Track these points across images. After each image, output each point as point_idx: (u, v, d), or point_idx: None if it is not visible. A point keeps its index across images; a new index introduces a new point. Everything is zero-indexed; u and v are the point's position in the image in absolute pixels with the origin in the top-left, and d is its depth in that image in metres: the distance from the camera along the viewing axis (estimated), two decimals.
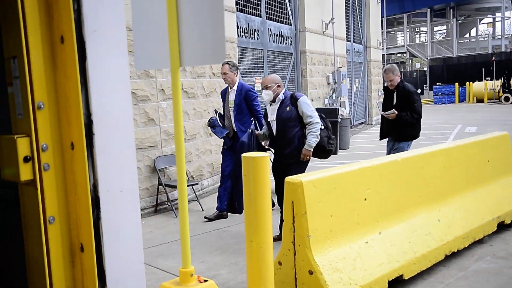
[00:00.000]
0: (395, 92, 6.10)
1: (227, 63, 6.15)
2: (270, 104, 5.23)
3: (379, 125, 6.51)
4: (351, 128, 13.91)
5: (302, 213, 3.21)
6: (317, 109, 5.35)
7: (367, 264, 3.48)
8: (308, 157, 4.98)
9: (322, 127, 5.07)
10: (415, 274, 3.83)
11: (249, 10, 10.20)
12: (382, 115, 6.26)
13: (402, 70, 45.16)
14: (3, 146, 1.72)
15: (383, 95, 6.61)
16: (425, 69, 44.29)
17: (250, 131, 5.45)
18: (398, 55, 51.21)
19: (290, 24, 12.40)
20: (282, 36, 11.98)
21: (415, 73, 44.48)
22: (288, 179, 3.33)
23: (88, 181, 1.87)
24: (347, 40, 16.17)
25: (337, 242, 3.42)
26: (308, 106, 5.06)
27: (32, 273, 1.86)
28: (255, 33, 10.63)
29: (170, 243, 5.18)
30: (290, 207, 3.28)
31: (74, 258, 1.97)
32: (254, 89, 6.36)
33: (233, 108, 6.09)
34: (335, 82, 13.92)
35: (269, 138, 5.34)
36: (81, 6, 1.81)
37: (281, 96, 5.14)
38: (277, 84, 5.16)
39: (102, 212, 1.93)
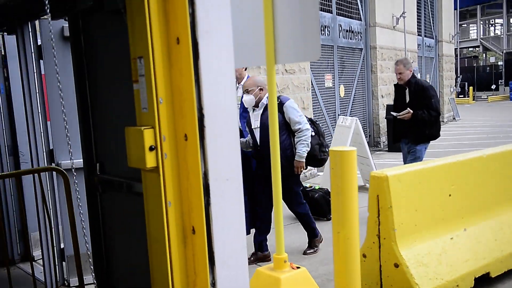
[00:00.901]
0: (407, 89, 5.50)
1: None
2: (253, 110, 4.71)
3: (392, 127, 5.95)
4: None
5: (388, 207, 3.26)
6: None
7: (453, 260, 3.47)
8: (301, 169, 4.54)
9: (313, 133, 4.59)
10: (502, 273, 3.76)
11: (320, 6, 10.24)
12: (393, 116, 5.62)
13: (475, 65, 43.26)
14: (130, 137, 1.92)
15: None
16: (500, 63, 42.18)
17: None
18: (470, 49, 49.09)
19: (360, 19, 12.30)
20: (352, 32, 11.91)
21: (488, 68, 42.52)
22: (373, 173, 3.38)
23: (200, 170, 2.04)
24: (418, 35, 15.79)
25: (422, 236, 3.43)
26: (295, 111, 4.53)
27: (153, 251, 2.06)
28: (326, 29, 10.64)
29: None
30: (375, 201, 3.34)
31: (186, 240, 2.15)
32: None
33: (239, 105, 5.59)
34: None
35: (252, 147, 4.78)
36: (195, 10, 1.98)
37: (264, 101, 4.56)
38: (259, 87, 4.61)
39: (212, 198, 2.09)
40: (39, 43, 3.79)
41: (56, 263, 4.09)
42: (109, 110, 2.96)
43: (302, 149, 4.45)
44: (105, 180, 3.10)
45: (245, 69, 5.72)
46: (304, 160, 4.49)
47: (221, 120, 2.10)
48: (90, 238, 3.27)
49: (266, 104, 4.36)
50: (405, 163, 5.70)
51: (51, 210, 4.00)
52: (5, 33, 4.21)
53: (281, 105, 4.45)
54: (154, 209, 2.01)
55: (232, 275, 2.18)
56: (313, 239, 4.83)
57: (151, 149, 1.87)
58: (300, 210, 4.78)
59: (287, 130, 4.54)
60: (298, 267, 2.64)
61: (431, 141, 5.63)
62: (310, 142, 4.50)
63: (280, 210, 2.60)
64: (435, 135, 5.52)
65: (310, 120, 4.68)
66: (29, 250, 4.59)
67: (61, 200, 3.99)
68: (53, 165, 3.91)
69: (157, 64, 1.91)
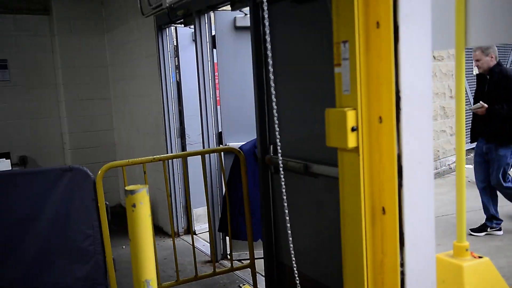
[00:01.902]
0: (488, 79, 4.66)
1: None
2: None
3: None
4: None
5: None
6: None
7: None
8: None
9: None
10: None
11: None
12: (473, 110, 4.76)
13: None
14: (331, 118, 2.03)
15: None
16: None
17: None
18: None
19: None
20: None
21: None
22: None
23: (394, 152, 2.08)
24: None
25: None
26: None
27: (347, 228, 2.16)
28: None
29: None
30: None
31: (374, 220, 2.21)
32: None
33: None
34: None
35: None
36: None
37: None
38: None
39: (404, 180, 2.12)
40: (213, 33, 4.10)
41: (221, 237, 4.43)
42: (285, 95, 3.11)
43: None
44: (277, 161, 3.28)
45: None
46: None
47: (417, 103, 2.11)
48: (261, 215, 3.49)
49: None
50: (476, 170, 4.96)
51: (217, 188, 4.33)
52: (181, 25, 4.61)
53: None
54: (351, 188, 2.09)
55: (421, 258, 2.19)
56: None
57: (353, 129, 1.95)
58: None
59: None
60: (480, 257, 2.56)
61: None
62: None
63: (463, 194, 2.54)
64: None
65: None
66: (191, 224, 5.03)
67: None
68: (221, 146, 4.22)
69: (358, 48, 1.98)
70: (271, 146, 3.32)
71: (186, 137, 5.21)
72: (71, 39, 6.44)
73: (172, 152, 5.09)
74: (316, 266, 2.99)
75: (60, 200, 3.16)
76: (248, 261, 3.74)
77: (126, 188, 1.77)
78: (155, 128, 5.41)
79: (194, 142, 5.20)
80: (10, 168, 4.79)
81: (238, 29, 4.01)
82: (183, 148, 5.20)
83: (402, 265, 2.20)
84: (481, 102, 4.57)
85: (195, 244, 4.83)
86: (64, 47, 6.42)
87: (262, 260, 3.67)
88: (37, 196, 3.13)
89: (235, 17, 3.99)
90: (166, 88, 5.00)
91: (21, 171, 3.25)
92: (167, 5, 4.34)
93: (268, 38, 2.16)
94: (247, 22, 3.96)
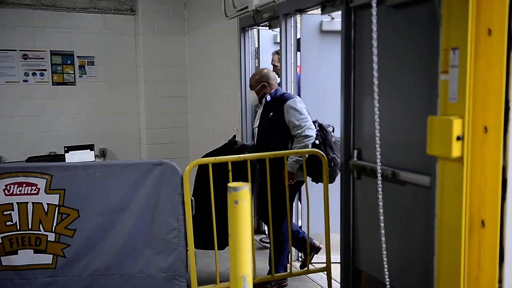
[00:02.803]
0: None
1: (278, 53, 4.70)
2: (258, 108, 4.09)
3: None
4: None
5: None
6: None
7: None
8: (291, 181, 3.72)
9: (317, 142, 3.75)
10: None
11: None
12: None
13: None
14: (435, 125, 2.00)
15: None
16: None
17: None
18: None
19: None
20: None
21: None
22: None
23: (500, 164, 2.01)
24: None
25: None
26: (297, 113, 3.71)
27: (444, 238, 2.11)
28: None
29: None
30: None
31: (471, 232, 2.14)
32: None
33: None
34: None
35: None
36: None
37: (267, 98, 3.91)
38: (263, 83, 3.93)
39: (508, 194, 2.05)
40: (298, 36, 4.13)
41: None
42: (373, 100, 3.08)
43: (293, 158, 3.69)
44: (361, 166, 3.26)
45: None
46: (293, 171, 3.72)
47: None
48: (340, 220, 3.48)
49: (267, 101, 3.91)
50: None
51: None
52: (266, 28, 4.68)
53: (282, 103, 3.78)
54: (451, 199, 2.05)
55: None
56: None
57: (458, 138, 1.91)
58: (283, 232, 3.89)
59: (287, 135, 3.79)
60: None
61: None
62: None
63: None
64: None
65: (319, 125, 3.84)
66: (261, 223, 5.07)
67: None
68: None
69: (470, 55, 1.94)
70: (355, 151, 3.31)
71: None
72: (153, 38, 6.70)
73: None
74: (398, 275, 2.93)
75: (149, 193, 3.29)
76: (322, 265, 3.73)
77: (229, 185, 1.81)
78: (231, 128, 5.51)
79: None
80: (93, 159, 5.03)
81: (323, 33, 4.02)
82: None
83: (500, 281, 2.13)
84: None
85: (264, 245, 4.89)
86: (147, 46, 6.69)
87: (336, 264, 3.66)
88: (128, 187, 3.28)
89: (321, 21, 4.00)
90: (245, 90, 5.09)
91: (116, 162, 3.42)
92: (253, 8, 4.41)
93: (375, 43, 2.16)
94: (333, 26, 3.96)
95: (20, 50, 6.30)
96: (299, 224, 4.39)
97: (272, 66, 4.77)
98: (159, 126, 6.95)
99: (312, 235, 3.85)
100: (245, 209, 1.87)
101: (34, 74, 6.43)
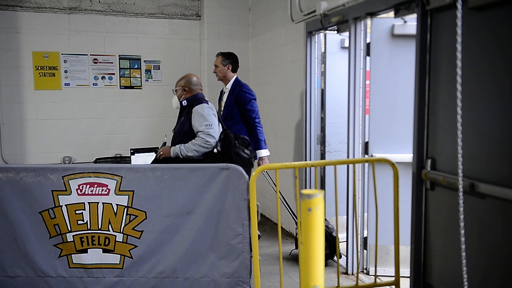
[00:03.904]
0: None
1: (221, 54, 4.92)
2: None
3: None
4: None
5: None
6: None
7: None
8: (161, 154, 3.89)
9: (215, 150, 3.78)
10: None
11: None
12: None
13: None
14: None
15: None
16: None
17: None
18: None
19: None
20: None
21: None
22: None
23: None
24: None
25: None
26: (201, 118, 3.79)
27: None
28: None
29: None
30: None
31: None
32: (250, 89, 4.83)
33: (222, 113, 4.81)
34: None
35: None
36: None
37: (184, 102, 4.01)
38: (183, 88, 4.05)
39: None
40: (367, 40, 4.01)
41: (358, 250, 4.30)
42: (452, 107, 2.92)
43: (183, 148, 3.80)
44: (434, 176, 3.10)
45: (232, 71, 4.86)
46: (170, 154, 3.85)
47: None
48: (411, 232, 3.33)
49: (182, 107, 3.99)
50: None
51: (359, 199, 4.22)
52: (333, 32, 4.58)
53: (191, 108, 3.88)
54: None
55: None
56: None
57: None
58: None
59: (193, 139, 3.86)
60: None
61: None
62: (198, 151, 3.79)
63: None
64: None
65: (225, 135, 3.87)
66: None
67: (369, 190, 4.18)
68: (366, 157, 4.11)
69: None
70: (429, 160, 3.15)
71: (326, 144, 5.18)
72: (218, 43, 6.76)
73: (310, 159, 5.08)
74: None
75: (215, 197, 3.28)
76: (390, 278, 3.58)
77: (303, 191, 1.76)
78: (295, 133, 5.45)
79: (333, 150, 5.15)
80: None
81: (395, 37, 3.88)
82: (322, 155, 5.16)
83: None
84: None
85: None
86: (211, 50, 6.75)
87: (405, 279, 3.51)
88: (195, 191, 3.29)
89: (393, 25, 3.86)
90: (310, 95, 5.01)
91: (183, 165, 3.43)
92: (321, 12, 4.34)
93: (459, 47, 2.02)
94: (406, 30, 3.82)
95: (91, 55, 6.54)
96: (365, 235, 4.26)
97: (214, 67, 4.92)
98: None
99: (381, 247, 3.71)
100: (318, 217, 1.81)
101: (103, 77, 6.65)
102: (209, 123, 3.80)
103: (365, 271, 4.33)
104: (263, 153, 4.68)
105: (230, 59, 4.87)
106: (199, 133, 3.78)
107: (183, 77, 4.17)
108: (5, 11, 6.08)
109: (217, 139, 3.81)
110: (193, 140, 3.81)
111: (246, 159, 3.85)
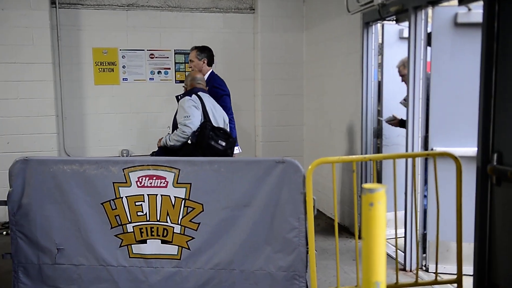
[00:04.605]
0: None
1: (195, 48, 4.98)
2: None
3: None
4: None
5: None
6: None
7: None
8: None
9: (189, 142, 4.08)
10: None
11: None
12: None
13: None
14: None
15: None
16: None
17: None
18: None
19: None
20: None
21: None
22: None
23: None
24: None
25: None
26: (182, 111, 4.16)
27: None
28: None
29: None
30: None
31: None
32: (223, 84, 4.80)
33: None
34: None
35: None
36: None
37: (179, 97, 4.43)
38: (185, 86, 4.58)
39: None
40: (429, 30, 3.87)
41: (418, 247, 4.18)
42: None
43: (167, 138, 4.24)
44: (501, 171, 2.95)
45: (208, 64, 4.90)
46: (161, 145, 4.32)
47: None
48: (475, 228, 3.19)
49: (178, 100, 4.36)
50: None
51: (418, 194, 4.10)
52: (392, 22, 4.46)
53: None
54: None
55: None
56: None
57: None
58: None
59: None
60: None
61: None
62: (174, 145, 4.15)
63: None
64: None
65: (201, 126, 4.10)
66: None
67: (428, 185, 4.05)
68: (432, 150, 3.98)
69: None
70: (495, 154, 3.00)
71: (383, 137, 5.06)
72: (271, 36, 6.74)
73: (366, 153, 4.98)
74: None
75: (271, 190, 3.27)
76: (452, 276, 3.46)
77: (364, 186, 1.72)
78: (350, 127, 5.35)
79: (390, 143, 5.02)
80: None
81: (458, 25, 3.72)
82: (378, 149, 5.05)
83: None
84: (393, 114, 4.52)
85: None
86: (265, 43, 6.75)
87: (468, 277, 3.37)
88: (251, 184, 3.29)
89: (456, 13, 3.70)
90: (367, 87, 4.90)
91: (240, 159, 3.46)
92: (379, 1, 4.22)
93: None
94: (471, 18, 3.65)
95: (147, 50, 6.69)
96: (425, 231, 4.13)
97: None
98: (274, 124, 6.98)
99: (441, 243, 3.59)
100: (380, 211, 1.76)
101: (159, 72, 6.79)
102: (187, 114, 4.13)
103: (423, 268, 4.21)
104: (234, 150, 4.60)
105: (206, 53, 4.97)
106: (179, 124, 4.14)
107: (188, 75, 4.62)
108: (67, 9, 6.31)
109: (194, 130, 4.10)
110: (175, 131, 4.20)
111: (221, 150, 4.04)
